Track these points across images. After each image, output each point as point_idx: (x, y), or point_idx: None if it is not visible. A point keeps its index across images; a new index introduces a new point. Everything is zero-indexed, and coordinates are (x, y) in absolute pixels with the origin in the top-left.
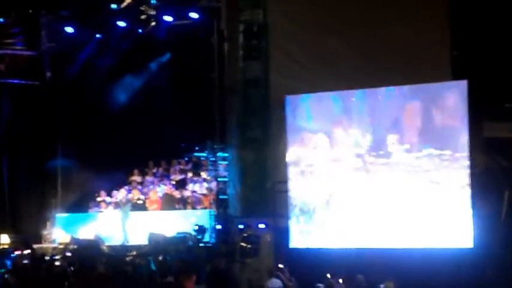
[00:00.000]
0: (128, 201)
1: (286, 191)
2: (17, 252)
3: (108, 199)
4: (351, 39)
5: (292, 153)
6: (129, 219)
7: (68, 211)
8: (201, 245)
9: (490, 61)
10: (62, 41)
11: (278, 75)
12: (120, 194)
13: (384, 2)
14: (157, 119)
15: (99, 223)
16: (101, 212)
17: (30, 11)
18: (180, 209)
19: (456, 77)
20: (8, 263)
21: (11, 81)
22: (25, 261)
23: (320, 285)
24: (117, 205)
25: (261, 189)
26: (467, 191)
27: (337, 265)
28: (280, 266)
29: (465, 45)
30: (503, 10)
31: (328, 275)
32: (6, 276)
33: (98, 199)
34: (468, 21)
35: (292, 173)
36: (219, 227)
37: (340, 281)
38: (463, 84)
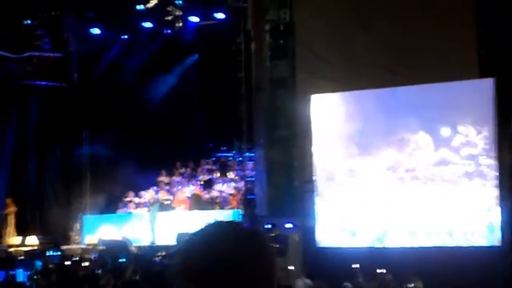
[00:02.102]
0: (156, 201)
1: (313, 191)
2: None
3: (136, 200)
4: (378, 38)
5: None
6: (157, 220)
7: (95, 212)
8: None
9: None
10: (88, 42)
11: (305, 74)
12: (149, 194)
13: None
14: (185, 120)
15: (127, 224)
16: (129, 212)
17: (56, 13)
18: (207, 209)
19: (483, 75)
20: (39, 263)
21: (38, 83)
22: (54, 263)
23: (347, 284)
24: (147, 205)
25: (288, 188)
26: (495, 189)
27: (365, 264)
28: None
29: (492, 43)
30: None
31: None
32: (35, 277)
33: (126, 199)
34: (495, 19)
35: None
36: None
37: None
38: (489, 82)
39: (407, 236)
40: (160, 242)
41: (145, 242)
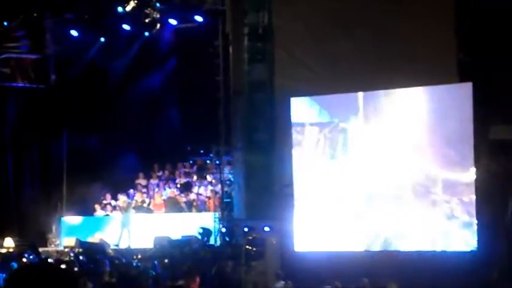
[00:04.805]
0: (129, 205)
1: (291, 194)
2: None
3: (113, 202)
4: (356, 41)
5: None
6: (130, 224)
7: (73, 214)
8: (206, 248)
9: (497, 63)
10: (66, 44)
11: (283, 77)
12: (121, 199)
13: (390, 3)
14: (162, 122)
15: (104, 226)
16: (107, 215)
17: (35, 14)
18: (185, 211)
19: (463, 79)
20: (15, 265)
21: (16, 84)
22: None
23: (327, 287)
24: (120, 209)
25: (266, 192)
26: (472, 194)
27: (342, 268)
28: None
29: (472, 47)
30: (510, 12)
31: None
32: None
33: (104, 202)
34: (475, 23)
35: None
36: (224, 230)
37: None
38: (468, 86)
39: (383, 240)
40: (137, 245)
41: (122, 244)
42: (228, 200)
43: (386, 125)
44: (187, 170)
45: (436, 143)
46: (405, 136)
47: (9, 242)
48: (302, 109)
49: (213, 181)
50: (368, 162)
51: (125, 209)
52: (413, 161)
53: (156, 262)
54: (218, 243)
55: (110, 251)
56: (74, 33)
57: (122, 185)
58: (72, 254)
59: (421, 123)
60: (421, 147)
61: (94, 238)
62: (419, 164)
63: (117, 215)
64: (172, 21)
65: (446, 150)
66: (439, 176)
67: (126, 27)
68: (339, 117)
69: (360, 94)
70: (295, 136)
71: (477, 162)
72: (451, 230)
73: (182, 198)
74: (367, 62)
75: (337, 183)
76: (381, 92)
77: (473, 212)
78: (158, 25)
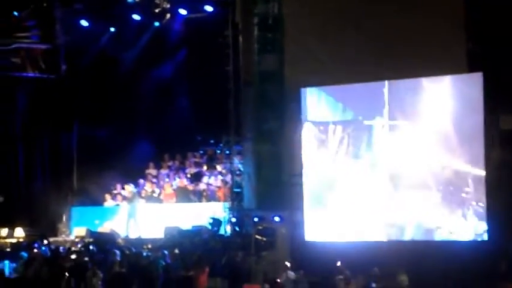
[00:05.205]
0: (135, 195)
1: (301, 184)
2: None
3: (123, 192)
4: (366, 31)
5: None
6: (136, 214)
7: (83, 204)
8: (216, 237)
9: (506, 53)
10: (76, 34)
11: (293, 67)
12: (127, 189)
13: None
14: (173, 112)
15: (114, 216)
16: (116, 205)
17: (45, 4)
18: (195, 201)
19: (472, 69)
20: (25, 255)
21: (26, 74)
22: (40, 255)
23: (340, 276)
24: (126, 199)
25: (276, 182)
26: (482, 183)
27: (352, 258)
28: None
29: (481, 37)
30: None
31: (338, 263)
32: (21, 269)
33: (113, 192)
34: (484, 14)
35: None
36: (234, 219)
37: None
38: (478, 76)
39: (393, 229)
40: (147, 235)
41: (130, 234)
42: (238, 190)
43: (412, 121)
44: (197, 160)
45: (462, 138)
46: (430, 131)
47: (19, 232)
48: (324, 106)
49: (223, 171)
50: (391, 158)
51: (130, 199)
52: (439, 157)
53: (166, 252)
54: (228, 233)
55: (120, 240)
56: (84, 23)
57: (132, 174)
58: (82, 244)
59: (447, 117)
60: (447, 143)
61: (104, 228)
62: (446, 160)
63: (125, 205)
64: (182, 11)
65: (471, 144)
66: (468, 172)
67: (136, 17)
68: (363, 115)
69: (385, 90)
70: (319, 135)
71: (488, 153)
72: (460, 219)
73: (192, 188)
74: (377, 53)
75: (357, 177)
76: (406, 85)
77: (483, 201)
78: (168, 15)
